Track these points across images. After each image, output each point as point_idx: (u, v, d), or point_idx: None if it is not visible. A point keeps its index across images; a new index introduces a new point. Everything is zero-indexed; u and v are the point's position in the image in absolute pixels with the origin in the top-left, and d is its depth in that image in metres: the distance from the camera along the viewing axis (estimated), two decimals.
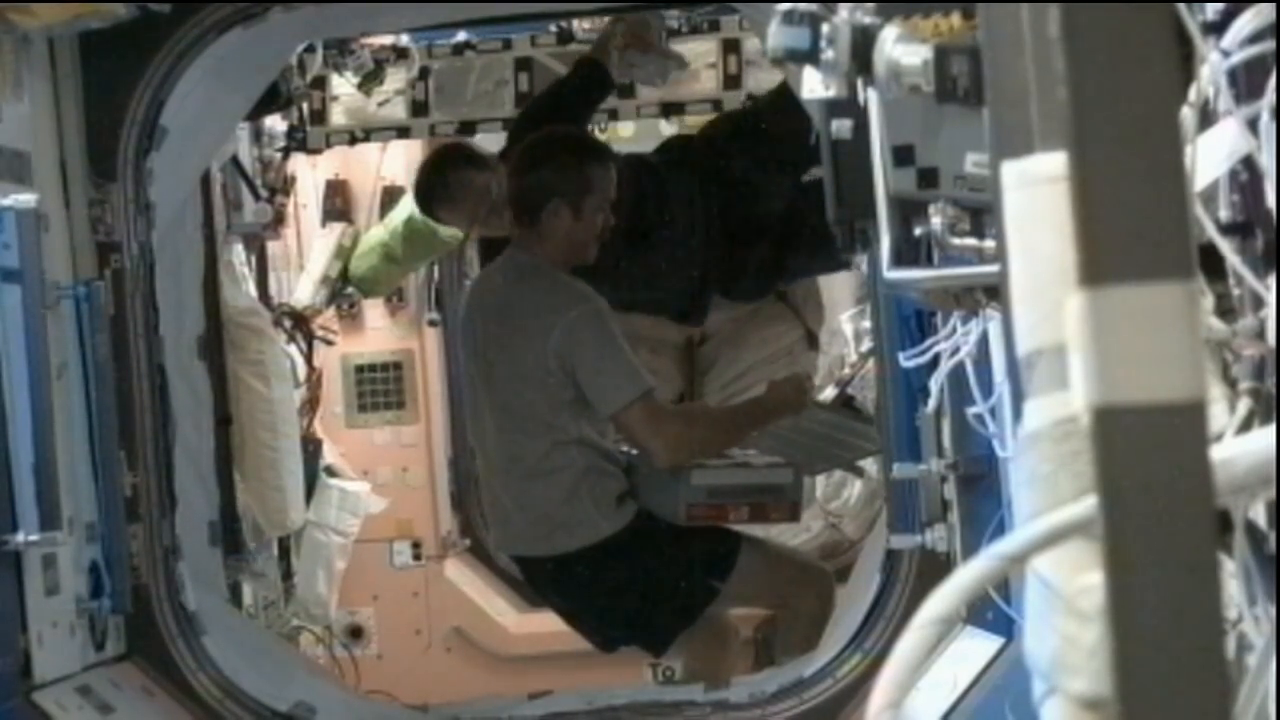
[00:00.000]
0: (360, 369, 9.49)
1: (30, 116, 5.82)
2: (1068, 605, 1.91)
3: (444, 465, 9.67)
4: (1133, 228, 1.73)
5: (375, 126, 8.67)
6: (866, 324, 8.00)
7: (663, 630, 6.84)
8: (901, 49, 2.78)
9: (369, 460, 9.36)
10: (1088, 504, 1.84)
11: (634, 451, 6.78)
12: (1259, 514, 2.22)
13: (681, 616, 6.77)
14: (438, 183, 7.83)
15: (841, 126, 3.73)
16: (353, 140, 8.72)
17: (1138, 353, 1.74)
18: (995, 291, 3.36)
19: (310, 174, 9.37)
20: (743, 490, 6.69)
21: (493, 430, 6.76)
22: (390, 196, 9.50)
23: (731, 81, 8.52)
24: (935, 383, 5.42)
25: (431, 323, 9.50)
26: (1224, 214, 2.39)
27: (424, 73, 8.51)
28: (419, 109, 8.57)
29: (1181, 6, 2.18)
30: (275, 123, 8.40)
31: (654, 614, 6.76)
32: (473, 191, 7.66)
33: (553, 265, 6.66)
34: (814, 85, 3.12)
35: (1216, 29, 2.34)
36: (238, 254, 8.04)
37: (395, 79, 8.50)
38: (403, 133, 8.77)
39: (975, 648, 5.42)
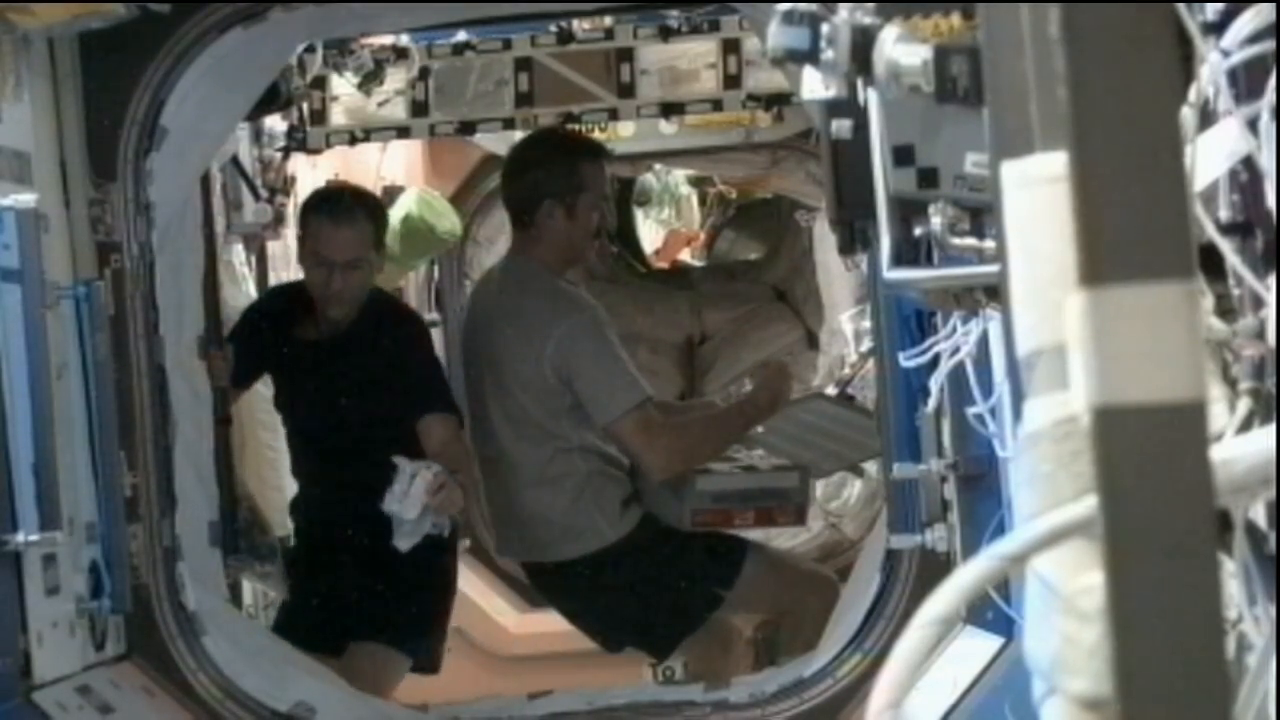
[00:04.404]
0: None
1: (30, 116, 5.81)
2: (1068, 605, 1.91)
3: None
4: (1133, 228, 1.74)
5: (375, 126, 8.66)
6: (866, 324, 8.00)
7: (666, 635, 6.83)
8: (901, 49, 2.78)
9: None
10: (1088, 504, 1.84)
11: None
12: (1259, 514, 2.22)
13: (685, 622, 6.76)
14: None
15: (841, 126, 3.72)
16: (353, 140, 8.72)
17: (1138, 353, 1.74)
18: (995, 291, 3.36)
19: (310, 174, 9.37)
20: (748, 495, 6.68)
21: (495, 436, 6.74)
22: (390, 196, 9.50)
23: (731, 81, 8.51)
24: (935, 383, 5.41)
25: (431, 323, 9.48)
26: (1224, 214, 2.39)
27: (424, 73, 8.50)
28: (419, 109, 8.57)
29: (1181, 6, 2.18)
30: (275, 123, 8.39)
31: (658, 619, 6.75)
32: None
33: (550, 268, 6.64)
34: (814, 85, 3.13)
35: (1216, 29, 2.34)
36: (238, 254, 8.03)
37: (395, 79, 8.49)
38: (403, 133, 8.76)
39: (975, 648, 5.42)
